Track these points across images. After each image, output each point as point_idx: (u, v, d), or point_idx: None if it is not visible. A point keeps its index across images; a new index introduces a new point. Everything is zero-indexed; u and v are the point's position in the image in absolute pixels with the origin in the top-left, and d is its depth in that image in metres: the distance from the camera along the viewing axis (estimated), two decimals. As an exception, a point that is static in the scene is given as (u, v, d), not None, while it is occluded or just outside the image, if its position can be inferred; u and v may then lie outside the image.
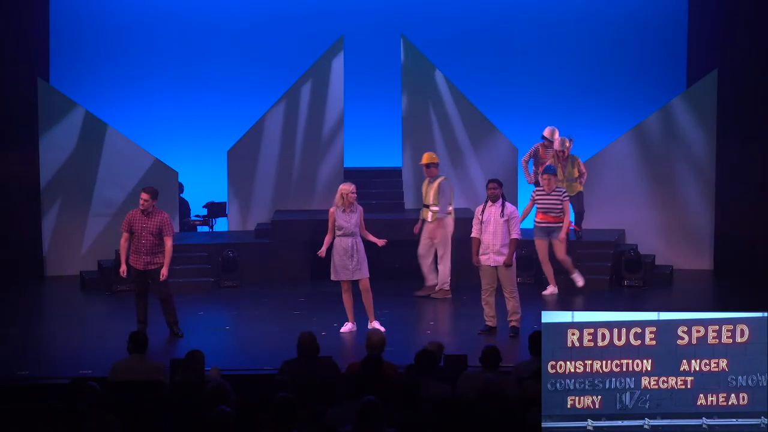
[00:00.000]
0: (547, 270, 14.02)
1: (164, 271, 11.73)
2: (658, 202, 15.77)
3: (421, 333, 11.99)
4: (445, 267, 13.72)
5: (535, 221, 13.92)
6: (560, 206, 13.76)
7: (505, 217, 11.75)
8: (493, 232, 11.76)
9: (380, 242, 12.06)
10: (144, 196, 11.76)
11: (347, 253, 11.81)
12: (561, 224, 13.76)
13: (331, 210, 11.91)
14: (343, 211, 11.85)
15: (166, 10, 17.68)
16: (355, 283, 11.91)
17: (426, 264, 13.90)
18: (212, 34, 17.77)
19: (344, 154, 16.06)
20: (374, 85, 17.51)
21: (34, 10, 15.64)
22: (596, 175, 16.00)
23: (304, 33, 17.64)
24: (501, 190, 11.87)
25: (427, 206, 13.68)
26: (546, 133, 14.98)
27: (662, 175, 15.76)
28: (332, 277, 12.01)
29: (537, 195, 13.84)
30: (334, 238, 11.86)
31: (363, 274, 11.87)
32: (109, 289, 14.37)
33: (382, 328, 11.67)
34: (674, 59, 17.01)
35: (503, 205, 11.79)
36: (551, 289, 14.04)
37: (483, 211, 11.89)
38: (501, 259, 11.75)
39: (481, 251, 11.85)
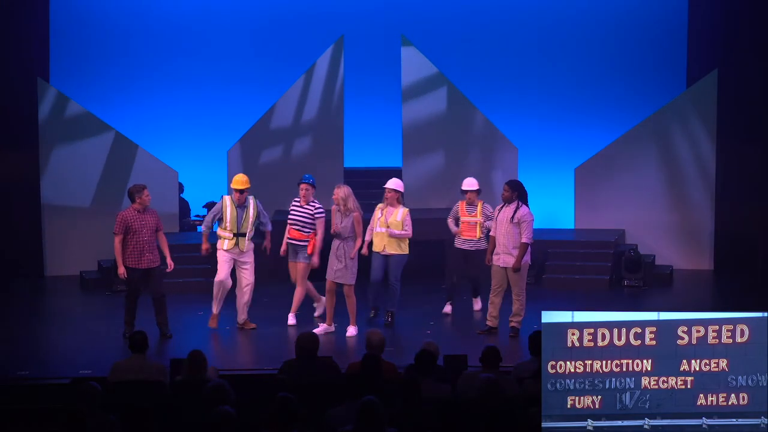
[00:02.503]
0: (313, 295, 12.61)
1: (171, 262, 11.93)
2: (658, 202, 15.78)
3: (421, 333, 11.98)
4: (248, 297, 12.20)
5: (286, 237, 12.31)
6: (311, 222, 12.17)
7: (516, 220, 11.71)
8: (505, 234, 11.75)
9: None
10: (147, 192, 11.78)
11: (334, 254, 11.86)
12: (307, 242, 12.18)
13: (333, 207, 11.98)
14: (337, 211, 11.88)
15: (166, 10, 17.68)
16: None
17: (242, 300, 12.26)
18: (212, 34, 17.76)
19: (344, 154, 16.07)
20: (374, 85, 17.51)
21: (34, 10, 15.64)
22: (596, 175, 16.01)
23: (303, 33, 17.64)
24: (511, 193, 11.82)
25: (244, 234, 12.01)
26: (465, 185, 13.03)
27: (662, 174, 15.77)
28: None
29: (291, 207, 12.31)
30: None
31: (346, 280, 11.84)
32: (109, 289, 14.39)
33: (355, 333, 11.81)
34: (674, 59, 17.01)
35: (516, 209, 11.76)
36: (320, 310, 12.61)
37: (499, 211, 11.90)
38: (511, 261, 11.73)
39: (494, 251, 11.85)
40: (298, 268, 12.22)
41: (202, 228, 12.09)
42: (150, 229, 11.76)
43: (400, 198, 12.32)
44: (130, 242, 11.70)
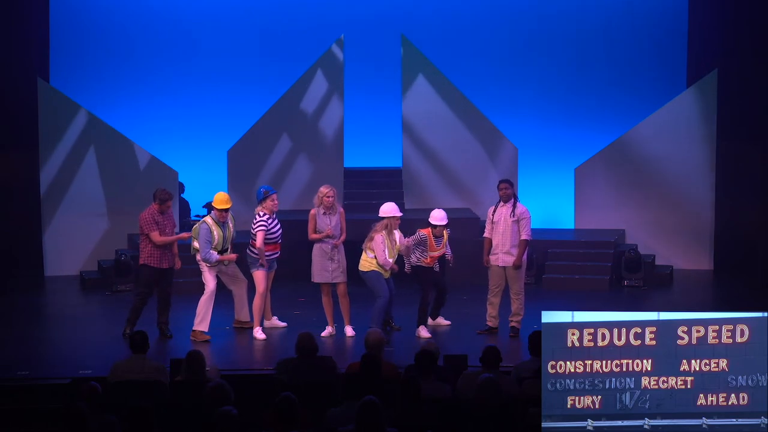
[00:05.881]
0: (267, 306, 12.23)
1: (179, 261, 12.02)
2: (658, 202, 15.78)
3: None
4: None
5: (255, 253, 11.86)
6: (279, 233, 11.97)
7: (515, 218, 11.72)
8: (503, 233, 11.74)
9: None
10: (170, 204, 11.89)
11: (326, 255, 11.79)
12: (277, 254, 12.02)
13: (312, 211, 11.87)
14: (324, 213, 11.82)
15: (166, 11, 17.67)
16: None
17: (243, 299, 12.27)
18: (212, 34, 17.75)
19: (344, 154, 16.07)
20: (374, 85, 17.51)
21: (34, 10, 15.63)
22: (596, 175, 16.01)
23: (304, 33, 17.63)
24: (512, 190, 11.85)
25: (227, 250, 11.93)
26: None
27: (662, 175, 15.77)
28: (312, 279, 11.96)
29: (264, 222, 11.80)
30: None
31: (343, 279, 11.83)
32: (109, 289, 14.40)
33: (353, 333, 11.77)
34: (674, 59, 17.01)
35: (514, 206, 11.77)
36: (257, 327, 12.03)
37: (494, 211, 11.88)
38: (510, 260, 11.73)
39: (491, 251, 11.84)
40: (271, 277, 12.08)
41: (211, 259, 11.75)
42: (170, 228, 11.94)
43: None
44: (151, 243, 11.77)
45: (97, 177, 15.51)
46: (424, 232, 11.87)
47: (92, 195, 15.50)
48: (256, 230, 11.78)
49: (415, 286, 12.10)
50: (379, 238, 11.55)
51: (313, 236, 11.83)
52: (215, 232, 11.79)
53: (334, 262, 11.79)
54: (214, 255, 11.75)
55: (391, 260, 11.58)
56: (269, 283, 12.05)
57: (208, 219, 11.87)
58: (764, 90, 15.15)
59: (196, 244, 11.83)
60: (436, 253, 11.87)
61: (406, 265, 11.94)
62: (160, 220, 11.82)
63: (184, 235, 12.05)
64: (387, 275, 11.68)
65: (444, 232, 11.91)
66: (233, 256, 11.94)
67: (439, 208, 12.14)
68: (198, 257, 11.88)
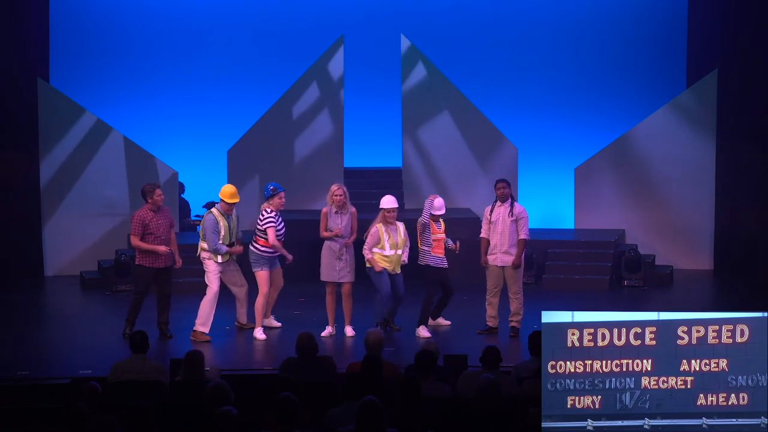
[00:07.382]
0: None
1: (179, 259, 11.98)
2: (658, 202, 15.79)
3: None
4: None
5: (260, 249, 11.78)
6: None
7: (514, 217, 11.72)
8: (501, 232, 11.74)
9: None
10: (160, 192, 11.80)
11: (335, 254, 11.79)
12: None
13: (324, 210, 11.88)
14: (335, 212, 11.83)
15: (166, 10, 17.67)
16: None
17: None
18: (212, 34, 17.75)
19: (344, 154, 16.07)
20: (374, 84, 17.51)
21: (34, 10, 15.64)
22: (596, 175, 16.01)
23: (304, 33, 17.63)
24: (510, 190, 11.86)
25: (233, 244, 11.85)
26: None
27: (662, 175, 15.77)
28: (321, 278, 11.97)
29: (272, 218, 11.74)
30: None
31: (350, 279, 11.84)
32: (109, 289, 14.40)
33: (353, 333, 11.77)
34: (674, 59, 17.01)
35: (512, 205, 11.77)
36: (269, 323, 12.20)
37: (492, 211, 11.87)
38: (509, 259, 11.73)
39: (489, 251, 11.84)
40: (280, 274, 12.10)
41: (221, 250, 11.67)
42: (166, 227, 11.83)
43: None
44: (147, 242, 11.74)
45: (97, 177, 15.51)
46: (426, 223, 11.78)
47: (92, 195, 15.50)
48: (264, 226, 11.74)
49: (419, 285, 12.07)
50: (372, 229, 11.67)
51: (324, 234, 11.86)
52: (221, 223, 11.73)
53: (342, 262, 11.80)
54: (223, 246, 11.74)
55: (390, 251, 11.62)
56: (279, 281, 12.06)
57: (213, 210, 11.83)
58: (764, 90, 15.17)
59: (203, 244, 11.81)
60: (440, 236, 11.71)
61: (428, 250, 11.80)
62: (154, 219, 11.74)
63: (161, 248, 11.70)
64: (393, 268, 11.63)
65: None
66: (240, 248, 11.93)
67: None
68: (202, 255, 11.84)
